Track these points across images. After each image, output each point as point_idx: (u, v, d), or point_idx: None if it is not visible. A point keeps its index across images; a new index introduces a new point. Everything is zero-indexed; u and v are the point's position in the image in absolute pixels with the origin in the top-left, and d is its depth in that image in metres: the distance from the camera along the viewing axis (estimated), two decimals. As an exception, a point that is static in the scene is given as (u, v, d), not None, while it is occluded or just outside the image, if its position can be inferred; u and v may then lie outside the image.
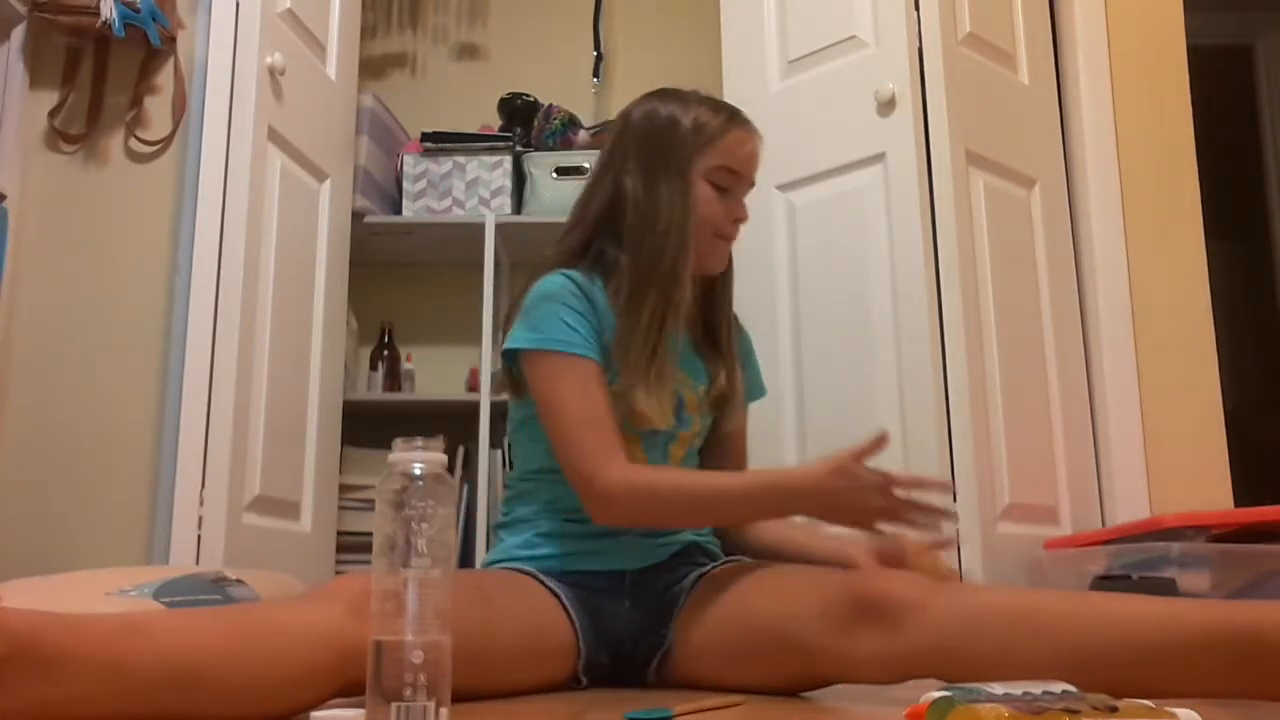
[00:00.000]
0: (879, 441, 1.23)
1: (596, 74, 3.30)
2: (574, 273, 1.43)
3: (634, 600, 1.38)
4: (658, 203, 1.42)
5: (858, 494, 1.23)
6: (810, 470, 1.28)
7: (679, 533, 1.43)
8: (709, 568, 1.41)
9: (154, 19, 2.29)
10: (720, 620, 1.31)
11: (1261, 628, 1.01)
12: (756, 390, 1.62)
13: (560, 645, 1.32)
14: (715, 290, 1.53)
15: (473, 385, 2.94)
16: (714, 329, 1.52)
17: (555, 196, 2.87)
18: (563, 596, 1.34)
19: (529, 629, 1.28)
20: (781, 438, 2.25)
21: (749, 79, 2.47)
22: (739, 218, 1.48)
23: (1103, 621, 1.09)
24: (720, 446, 1.56)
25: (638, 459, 1.41)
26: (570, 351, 1.36)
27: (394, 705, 0.82)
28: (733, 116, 1.47)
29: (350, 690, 1.00)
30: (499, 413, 2.63)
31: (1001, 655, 1.09)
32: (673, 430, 1.43)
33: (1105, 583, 1.83)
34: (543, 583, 1.35)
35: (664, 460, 1.45)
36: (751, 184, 1.50)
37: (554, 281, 1.41)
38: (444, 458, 0.89)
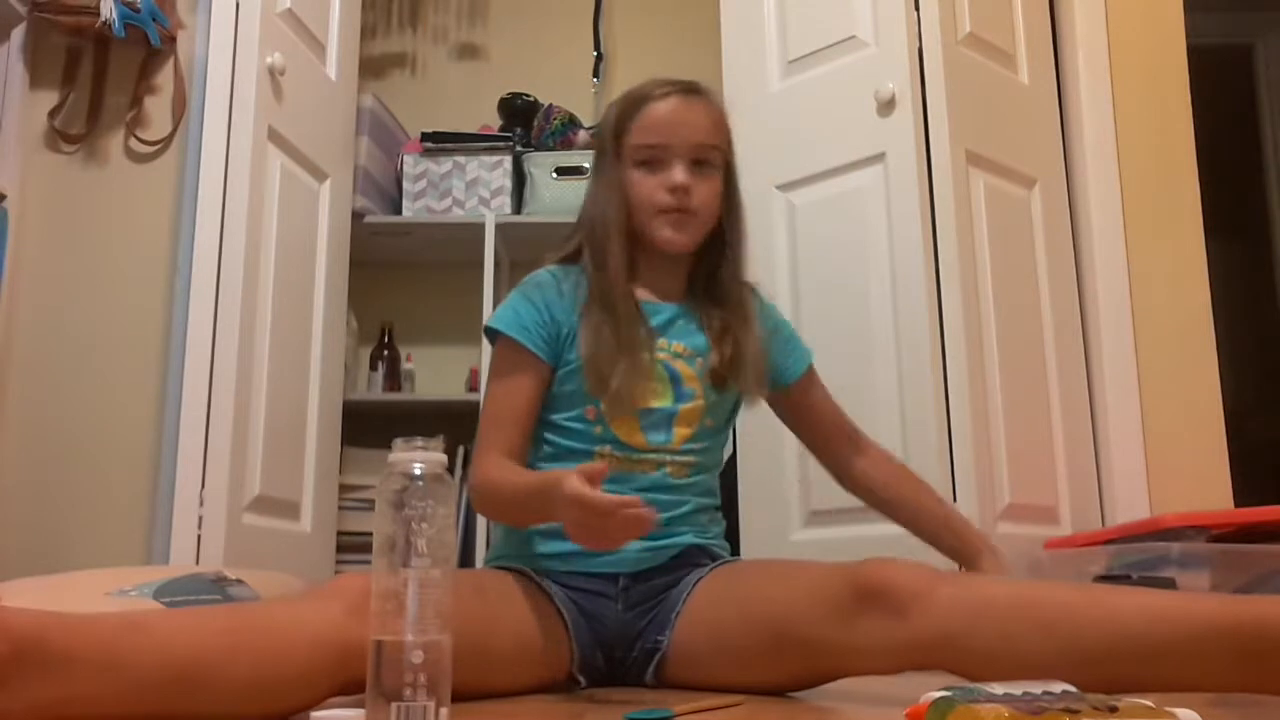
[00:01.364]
0: (599, 468, 1.17)
1: (596, 74, 3.30)
2: (556, 268, 1.47)
3: (626, 603, 1.37)
4: (589, 200, 1.47)
5: (554, 504, 1.18)
6: (555, 475, 1.22)
7: (679, 534, 1.41)
8: (708, 568, 1.40)
9: (154, 19, 2.29)
10: (720, 619, 1.30)
11: (1267, 621, 1.00)
12: (800, 354, 1.55)
13: (555, 645, 1.31)
14: (713, 261, 1.48)
15: (473, 385, 2.94)
16: (719, 300, 1.47)
17: (555, 196, 2.88)
18: (555, 597, 1.34)
19: (526, 629, 1.28)
20: (782, 438, 2.24)
21: (749, 79, 2.47)
22: (672, 186, 1.38)
23: (1108, 614, 1.08)
24: (805, 422, 1.57)
25: (638, 440, 1.40)
26: (507, 333, 1.40)
27: (394, 705, 0.82)
28: (655, 89, 1.40)
29: (350, 690, 1.00)
30: (499, 413, 2.63)
31: (1006, 646, 1.09)
32: (673, 407, 1.42)
33: (1105, 583, 1.82)
34: (537, 583, 1.35)
35: (669, 439, 1.41)
36: (687, 150, 1.39)
37: (533, 274, 1.47)
38: (444, 458, 0.89)
